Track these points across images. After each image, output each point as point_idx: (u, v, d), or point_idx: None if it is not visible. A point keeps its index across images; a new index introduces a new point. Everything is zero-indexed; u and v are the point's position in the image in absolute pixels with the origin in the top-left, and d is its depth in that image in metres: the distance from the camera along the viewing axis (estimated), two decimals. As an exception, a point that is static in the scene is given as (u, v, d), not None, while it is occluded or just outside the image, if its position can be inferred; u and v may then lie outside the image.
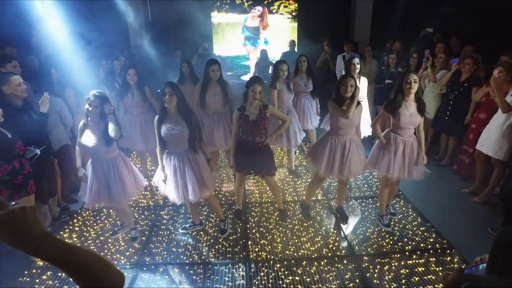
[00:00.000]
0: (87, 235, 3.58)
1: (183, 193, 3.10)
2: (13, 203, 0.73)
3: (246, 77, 8.08)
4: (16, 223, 0.70)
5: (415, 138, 3.35)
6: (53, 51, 5.38)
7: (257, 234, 3.54)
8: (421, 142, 3.33)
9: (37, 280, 2.92)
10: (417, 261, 3.11)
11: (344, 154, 3.29)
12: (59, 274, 2.96)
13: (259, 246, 3.34)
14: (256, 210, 3.98)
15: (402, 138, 3.30)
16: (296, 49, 7.12)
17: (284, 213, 3.80)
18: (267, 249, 3.30)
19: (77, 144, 3.06)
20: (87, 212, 3.95)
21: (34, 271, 3.02)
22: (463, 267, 1.05)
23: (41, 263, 3.09)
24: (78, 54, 5.04)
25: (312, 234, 3.52)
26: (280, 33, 8.29)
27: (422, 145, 3.34)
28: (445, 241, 3.36)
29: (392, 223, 3.69)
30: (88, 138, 2.93)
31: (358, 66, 4.14)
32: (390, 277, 2.93)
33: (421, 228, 3.58)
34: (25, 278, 2.95)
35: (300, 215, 3.85)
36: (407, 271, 2.99)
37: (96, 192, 3.03)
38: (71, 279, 0.82)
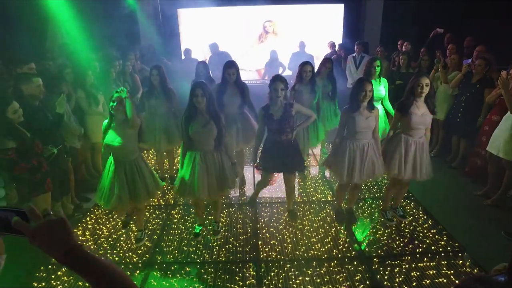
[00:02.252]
0: (100, 233, 3.64)
1: (208, 191, 3.12)
2: (46, 213, 0.81)
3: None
4: (46, 235, 0.79)
5: (425, 139, 3.39)
6: (66, 52, 5.49)
7: (267, 234, 3.56)
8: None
9: (53, 276, 2.99)
10: (428, 263, 3.10)
11: (363, 158, 3.29)
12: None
13: (269, 246, 3.36)
14: (266, 210, 4.00)
15: (413, 140, 3.32)
16: (305, 50, 7.11)
17: (294, 213, 3.82)
18: (277, 249, 3.32)
19: (103, 146, 3.06)
20: (100, 210, 4.01)
21: (50, 266, 3.09)
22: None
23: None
24: (90, 55, 5.13)
25: (322, 235, 3.53)
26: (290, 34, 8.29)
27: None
28: (456, 244, 3.34)
29: (402, 225, 3.68)
30: (113, 138, 2.95)
31: (378, 69, 4.14)
32: (400, 279, 2.93)
33: (432, 231, 3.57)
34: (41, 274, 3.02)
35: (310, 216, 3.86)
36: (418, 273, 2.99)
37: (118, 195, 3.03)
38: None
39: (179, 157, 3.35)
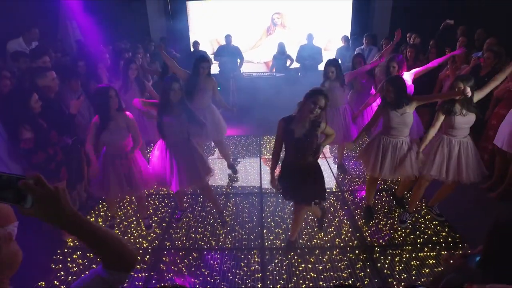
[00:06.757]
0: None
1: (179, 181, 3.25)
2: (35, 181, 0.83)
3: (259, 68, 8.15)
4: (41, 212, 0.82)
5: (470, 138, 3.27)
6: (78, 45, 5.63)
7: (272, 223, 3.68)
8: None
9: (69, 258, 3.18)
10: (428, 253, 3.18)
11: (395, 155, 3.27)
12: (88, 254, 3.20)
13: (273, 235, 3.48)
14: (271, 200, 4.12)
15: (456, 140, 3.22)
16: (313, 42, 7.10)
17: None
18: (282, 238, 3.43)
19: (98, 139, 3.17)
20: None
21: (66, 250, 3.28)
22: (468, 252, 1.15)
23: (71, 244, 3.34)
24: (101, 48, 5.26)
25: (325, 224, 3.63)
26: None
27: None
28: (457, 236, 3.40)
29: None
30: (109, 132, 3.09)
31: (396, 68, 4.14)
32: (400, 267, 3.02)
33: (434, 222, 3.63)
34: (58, 256, 3.21)
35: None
36: (418, 262, 3.07)
37: (113, 185, 3.19)
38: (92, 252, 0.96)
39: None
